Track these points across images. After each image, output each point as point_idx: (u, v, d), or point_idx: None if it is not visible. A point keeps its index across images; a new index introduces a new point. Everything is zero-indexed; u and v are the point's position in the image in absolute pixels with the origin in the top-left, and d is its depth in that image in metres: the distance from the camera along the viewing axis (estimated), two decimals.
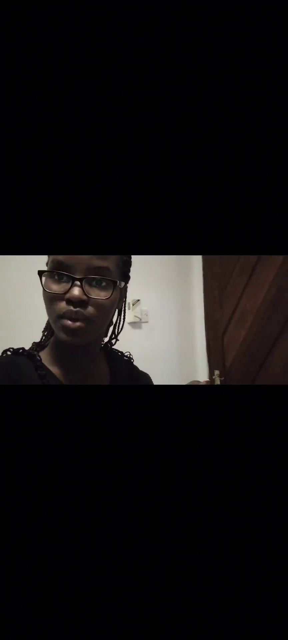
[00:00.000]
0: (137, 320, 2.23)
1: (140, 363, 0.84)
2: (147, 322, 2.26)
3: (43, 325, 0.79)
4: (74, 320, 0.61)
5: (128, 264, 0.73)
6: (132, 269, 0.74)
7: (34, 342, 0.75)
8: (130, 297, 1.85)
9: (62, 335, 0.62)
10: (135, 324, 2.23)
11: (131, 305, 2.21)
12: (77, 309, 0.61)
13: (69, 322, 0.61)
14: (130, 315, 2.18)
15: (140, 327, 2.24)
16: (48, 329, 0.79)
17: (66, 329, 0.61)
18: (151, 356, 2.04)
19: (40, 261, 0.67)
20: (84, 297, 0.61)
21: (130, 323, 2.19)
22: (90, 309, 0.62)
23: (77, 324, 0.61)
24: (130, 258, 0.74)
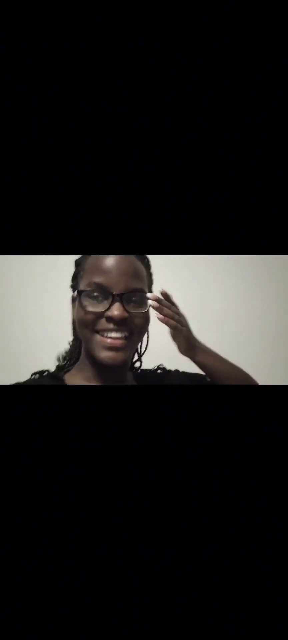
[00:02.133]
0: None
1: None
2: None
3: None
4: (114, 338, 0.60)
5: (152, 284, 0.73)
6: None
7: (58, 365, 0.73)
8: None
9: (102, 353, 0.61)
10: None
11: None
12: (118, 326, 0.60)
13: (110, 339, 0.60)
14: None
15: None
16: (72, 353, 0.76)
17: (106, 346, 0.60)
18: None
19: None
20: (125, 314, 0.60)
21: None
22: (129, 324, 0.62)
23: (118, 341, 0.60)
24: (152, 276, 0.74)
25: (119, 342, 0.60)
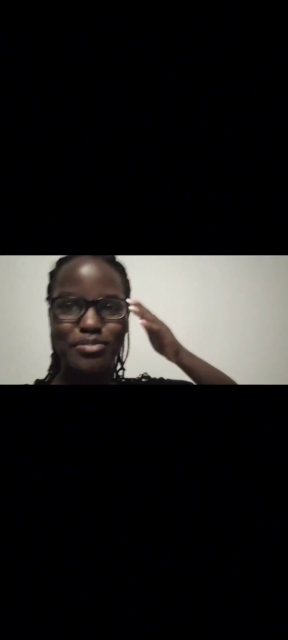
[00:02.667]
0: None
1: None
2: None
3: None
4: (90, 345, 0.59)
5: (129, 291, 0.71)
6: None
7: (37, 380, 0.73)
8: None
9: (80, 362, 0.59)
10: None
11: None
12: (93, 336, 0.59)
13: (87, 347, 0.59)
14: None
15: None
16: (53, 366, 0.76)
17: (84, 353, 0.59)
18: None
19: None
20: (99, 325, 0.59)
21: None
22: (104, 332, 0.60)
23: (95, 347, 0.59)
24: (129, 282, 0.72)
25: (96, 347, 0.59)
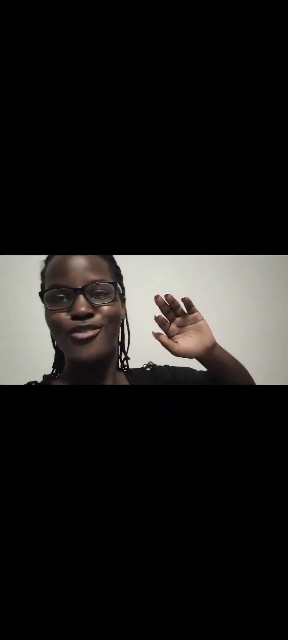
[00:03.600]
0: None
1: None
2: None
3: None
4: (84, 330, 0.60)
5: (120, 276, 0.73)
6: None
7: (44, 375, 0.74)
8: None
9: (76, 350, 0.61)
10: None
11: None
12: (86, 321, 0.60)
13: (80, 334, 0.60)
14: None
15: None
16: (57, 362, 0.77)
17: (78, 341, 0.60)
18: None
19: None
20: (90, 310, 0.60)
21: None
22: (97, 317, 0.61)
23: (89, 332, 0.60)
24: (120, 271, 0.73)
25: (90, 332, 0.60)
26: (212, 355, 0.69)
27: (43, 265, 0.68)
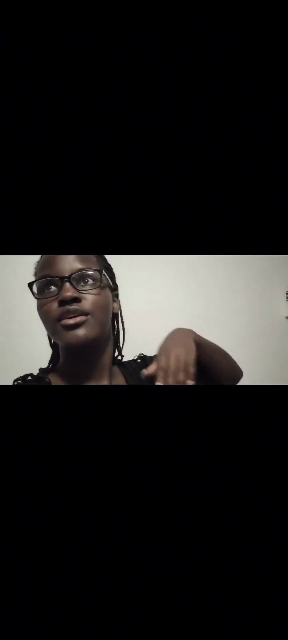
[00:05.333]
0: None
1: None
2: None
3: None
4: (73, 316, 0.62)
5: (111, 272, 0.74)
6: None
7: (40, 368, 0.75)
8: None
9: (66, 336, 0.62)
10: None
11: None
12: (73, 305, 0.62)
13: (69, 320, 0.61)
14: None
15: None
16: (53, 356, 0.79)
17: (67, 327, 0.62)
18: None
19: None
20: (76, 294, 0.62)
21: None
22: (84, 302, 0.63)
23: (77, 318, 0.62)
24: (112, 269, 0.75)
25: (78, 318, 0.62)
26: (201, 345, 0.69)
27: (36, 265, 0.70)
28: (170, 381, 0.61)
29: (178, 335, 0.68)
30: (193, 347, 0.66)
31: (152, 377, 0.63)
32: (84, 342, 0.63)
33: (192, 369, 0.63)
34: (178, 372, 0.62)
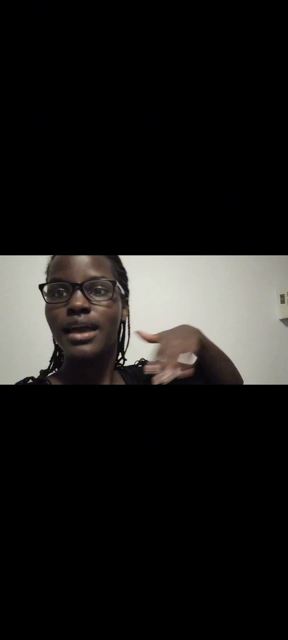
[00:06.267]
0: None
1: None
2: None
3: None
4: (80, 331, 0.60)
5: (124, 277, 0.72)
6: None
7: (41, 370, 0.74)
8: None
9: (71, 350, 0.60)
10: None
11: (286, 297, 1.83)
12: (81, 316, 0.59)
13: (77, 335, 0.59)
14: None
15: None
16: (55, 356, 0.77)
17: (75, 341, 0.60)
18: None
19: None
20: (86, 304, 0.60)
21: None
22: (93, 314, 0.61)
23: (85, 334, 0.60)
24: (126, 272, 0.73)
25: (86, 334, 0.60)
26: (204, 346, 0.68)
27: (49, 261, 0.68)
28: (167, 368, 0.57)
29: (183, 329, 0.67)
30: (194, 342, 0.64)
31: (153, 372, 0.60)
32: (89, 358, 0.61)
33: (188, 360, 0.60)
34: (175, 358, 0.59)
